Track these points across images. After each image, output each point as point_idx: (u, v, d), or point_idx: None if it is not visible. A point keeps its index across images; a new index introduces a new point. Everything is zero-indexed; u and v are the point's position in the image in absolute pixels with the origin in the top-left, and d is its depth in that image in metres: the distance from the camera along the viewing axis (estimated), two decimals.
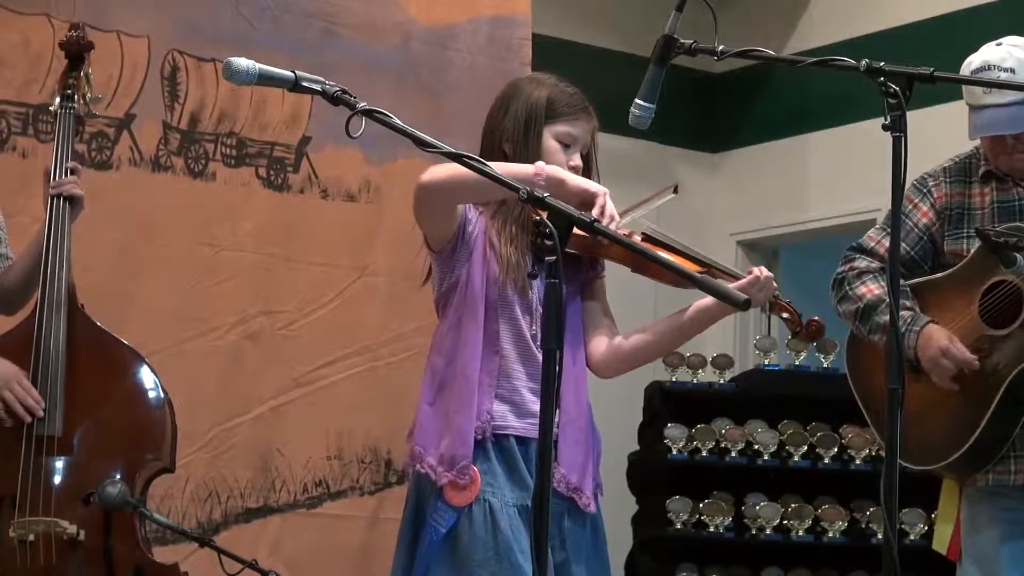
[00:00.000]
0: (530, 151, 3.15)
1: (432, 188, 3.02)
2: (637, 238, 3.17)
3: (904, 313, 3.49)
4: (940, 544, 3.63)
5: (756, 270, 3.09)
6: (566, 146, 3.18)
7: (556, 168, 3.01)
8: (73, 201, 3.62)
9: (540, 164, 2.99)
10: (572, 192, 2.95)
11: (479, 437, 3.06)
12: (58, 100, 3.73)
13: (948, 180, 3.63)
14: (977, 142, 3.63)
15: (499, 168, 2.76)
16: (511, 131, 3.18)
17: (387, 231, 5.10)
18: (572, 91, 3.23)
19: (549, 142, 3.17)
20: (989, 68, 3.48)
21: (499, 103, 3.25)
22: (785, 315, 3.21)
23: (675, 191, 3.27)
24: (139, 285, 4.75)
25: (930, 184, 3.64)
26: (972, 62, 3.52)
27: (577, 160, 3.19)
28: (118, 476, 3.47)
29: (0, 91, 4.60)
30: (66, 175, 3.62)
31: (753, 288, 3.05)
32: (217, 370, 4.89)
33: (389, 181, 5.21)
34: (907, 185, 2.68)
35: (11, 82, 4.61)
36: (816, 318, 3.20)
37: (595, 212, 2.89)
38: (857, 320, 3.61)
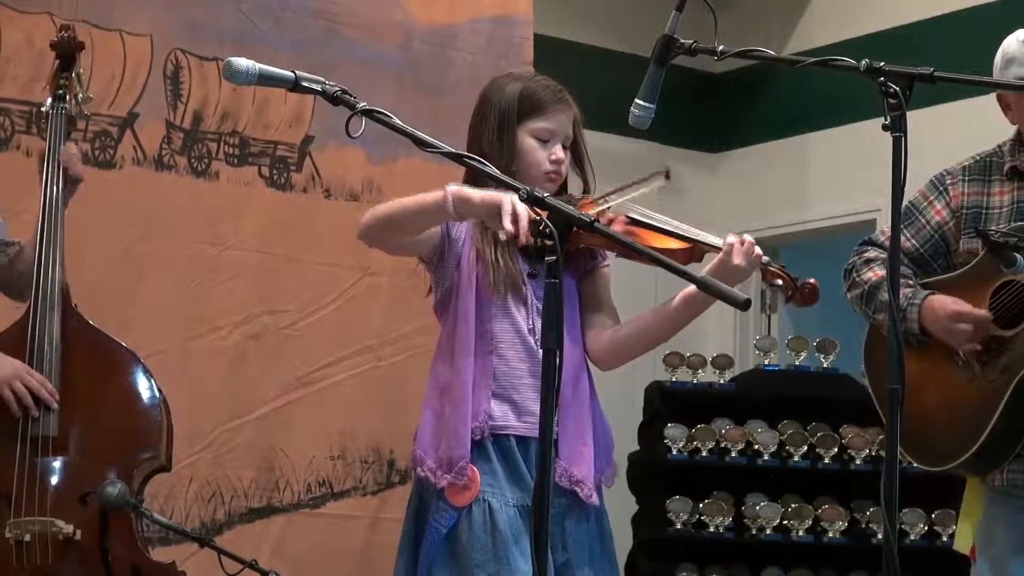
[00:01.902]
0: (505, 152, 3.14)
1: (365, 237, 3.07)
2: (621, 223, 3.14)
3: (905, 291, 3.48)
4: (963, 544, 3.62)
5: (725, 244, 3.02)
6: (544, 141, 3.17)
7: (461, 188, 2.93)
8: (74, 183, 3.63)
9: (448, 186, 2.92)
10: (478, 206, 2.88)
11: (477, 438, 3.05)
12: (49, 101, 3.74)
13: (966, 179, 3.60)
14: (991, 143, 3.61)
15: (411, 198, 2.93)
16: (487, 135, 3.16)
17: None
18: (546, 84, 3.20)
19: (525, 140, 3.16)
20: None
21: (477, 107, 3.24)
22: (778, 281, 3.14)
23: (667, 177, 3.21)
24: (142, 284, 4.76)
25: (947, 182, 3.62)
26: (1008, 51, 3.48)
27: (559, 153, 3.17)
28: (114, 476, 3.47)
29: (4, 89, 4.61)
30: (59, 171, 3.63)
31: (730, 262, 3.00)
32: (220, 370, 4.89)
33: (392, 181, 5.22)
34: (907, 186, 2.67)
35: (15, 80, 4.62)
36: (811, 280, 3.14)
37: (506, 223, 2.77)
38: (863, 304, 3.61)
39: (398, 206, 3.00)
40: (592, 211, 3.11)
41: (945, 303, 3.45)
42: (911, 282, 3.54)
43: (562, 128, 3.18)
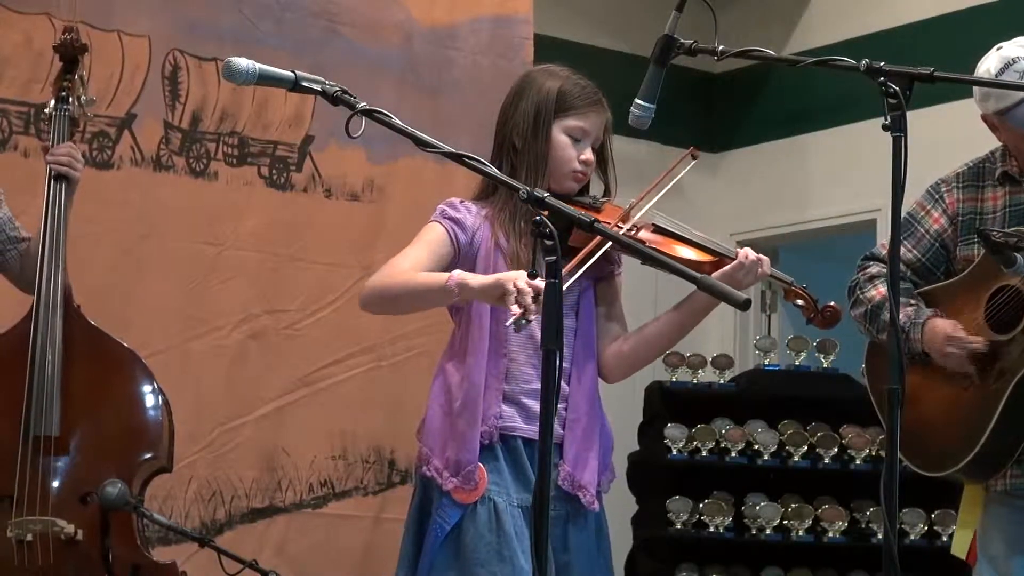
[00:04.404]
0: (539, 145, 3.14)
1: (367, 309, 3.11)
2: (648, 229, 3.16)
3: (908, 310, 3.48)
4: (959, 549, 3.62)
5: (740, 253, 3.08)
6: (576, 140, 3.18)
7: (463, 274, 2.94)
8: (69, 180, 3.64)
9: (452, 273, 2.95)
10: (478, 292, 2.90)
11: (486, 442, 3.06)
12: (53, 102, 3.74)
13: (960, 186, 3.61)
14: (992, 143, 3.62)
15: (413, 278, 2.98)
16: (521, 125, 3.17)
17: (390, 230, 5.11)
18: (584, 84, 3.21)
19: (559, 136, 3.17)
20: (1016, 61, 3.45)
21: (511, 96, 3.24)
22: (800, 302, 3.20)
23: (694, 157, 3.23)
24: (141, 285, 4.76)
25: (943, 190, 3.62)
26: (991, 68, 3.47)
27: (588, 154, 3.19)
28: (115, 476, 3.47)
29: (2, 90, 4.61)
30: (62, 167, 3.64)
31: (739, 273, 3.05)
32: (221, 370, 4.89)
33: (392, 180, 5.22)
34: (907, 185, 2.68)
35: (13, 81, 4.62)
36: (832, 303, 3.19)
37: (510, 307, 2.76)
38: (867, 322, 3.61)
39: (401, 285, 3.03)
40: (616, 216, 3.13)
41: (944, 326, 3.45)
42: (912, 301, 3.54)
43: (595, 130, 3.20)
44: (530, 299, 2.74)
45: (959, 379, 3.47)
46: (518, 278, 2.77)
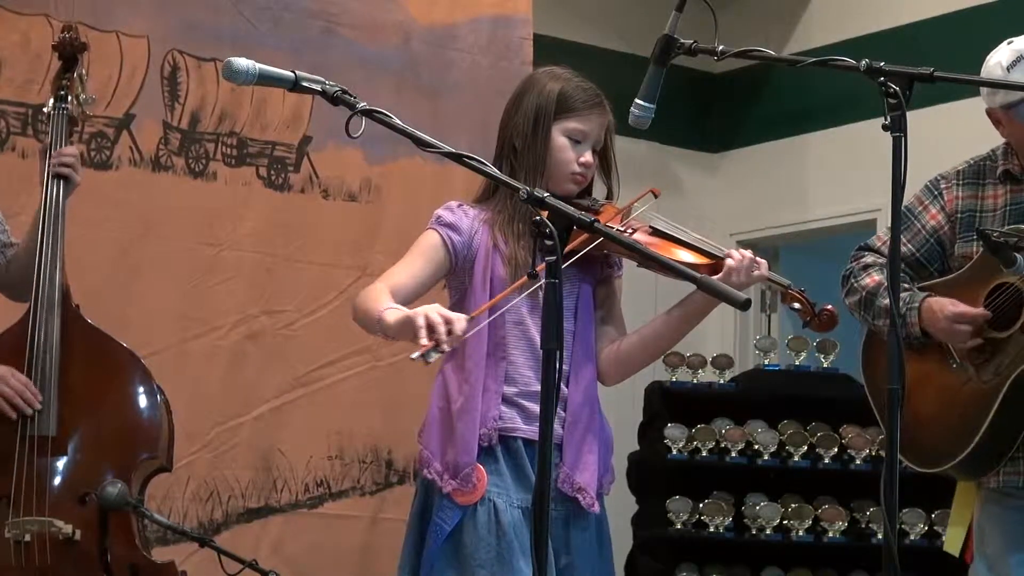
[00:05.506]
0: (538, 147, 3.14)
1: (355, 321, 3.12)
2: (645, 232, 3.15)
3: (903, 295, 3.48)
4: (952, 546, 3.63)
5: (727, 260, 3.06)
6: (576, 142, 3.17)
7: (384, 313, 2.92)
8: (68, 181, 3.63)
9: (382, 306, 2.95)
10: (396, 330, 2.88)
11: (485, 444, 3.06)
12: (51, 101, 3.74)
13: (960, 183, 3.61)
14: (991, 143, 3.61)
15: (368, 305, 2.97)
16: (521, 126, 3.16)
17: (388, 231, 5.11)
18: (586, 86, 3.20)
19: (558, 139, 3.16)
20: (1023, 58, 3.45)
21: (514, 97, 3.24)
22: (796, 305, 3.19)
23: (655, 195, 3.21)
24: (140, 285, 4.76)
25: (942, 186, 3.63)
26: (1001, 61, 3.47)
27: (588, 157, 3.18)
28: (114, 476, 3.47)
29: None
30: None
31: (731, 275, 3.04)
32: (218, 370, 4.89)
33: (390, 181, 5.22)
34: (908, 185, 2.68)
35: (11, 82, 4.62)
36: (829, 307, 3.18)
37: (421, 340, 2.73)
38: (862, 309, 3.61)
39: (363, 310, 3.03)
40: (615, 218, 3.12)
41: (943, 305, 3.45)
42: (906, 285, 3.54)
43: (595, 132, 3.19)
44: (442, 330, 2.72)
45: (956, 374, 3.48)
46: (429, 311, 2.76)
